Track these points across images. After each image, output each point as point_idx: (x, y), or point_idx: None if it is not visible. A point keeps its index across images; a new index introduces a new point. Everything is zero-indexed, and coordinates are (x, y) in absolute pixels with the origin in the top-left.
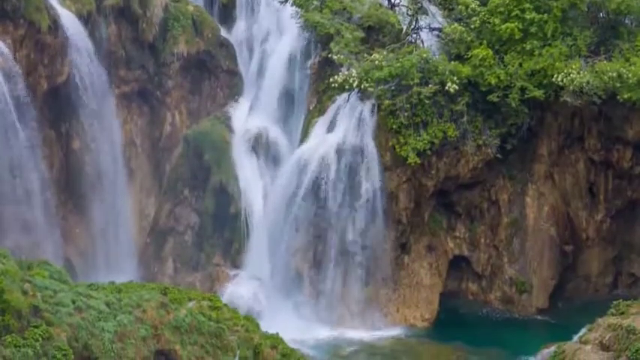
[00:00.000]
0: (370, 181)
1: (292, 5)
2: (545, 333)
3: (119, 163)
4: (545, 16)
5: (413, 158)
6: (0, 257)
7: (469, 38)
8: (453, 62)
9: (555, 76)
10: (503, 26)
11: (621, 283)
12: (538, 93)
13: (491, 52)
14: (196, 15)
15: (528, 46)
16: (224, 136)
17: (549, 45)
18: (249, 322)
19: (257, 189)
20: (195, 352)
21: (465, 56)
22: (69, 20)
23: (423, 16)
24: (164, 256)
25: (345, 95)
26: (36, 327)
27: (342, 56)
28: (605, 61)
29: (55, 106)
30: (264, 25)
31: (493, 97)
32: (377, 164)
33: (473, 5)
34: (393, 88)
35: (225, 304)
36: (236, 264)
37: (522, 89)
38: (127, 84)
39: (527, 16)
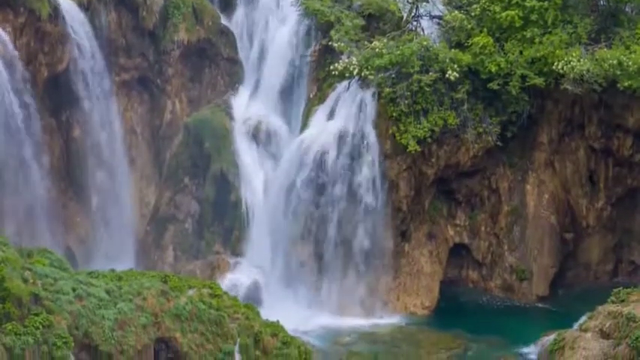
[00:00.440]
0: (370, 168)
1: None
2: (545, 321)
3: (119, 151)
4: (546, 3)
5: (413, 146)
6: (0, 245)
7: (469, 26)
8: (453, 50)
9: (556, 63)
10: (504, 14)
11: (621, 271)
12: (538, 81)
13: (491, 40)
14: (196, 3)
15: (529, 34)
16: (224, 124)
17: (550, 33)
18: (249, 310)
19: (257, 177)
20: (196, 339)
21: (466, 44)
22: (69, 8)
23: (423, 4)
24: (164, 244)
25: (345, 83)
26: (36, 315)
27: (342, 44)
28: (605, 49)
29: (55, 94)
30: (264, 12)
31: (493, 85)
32: (377, 152)
33: None
34: (393, 75)
35: (226, 292)
36: (236, 252)
37: (523, 77)
38: (127, 72)
39: (528, 3)
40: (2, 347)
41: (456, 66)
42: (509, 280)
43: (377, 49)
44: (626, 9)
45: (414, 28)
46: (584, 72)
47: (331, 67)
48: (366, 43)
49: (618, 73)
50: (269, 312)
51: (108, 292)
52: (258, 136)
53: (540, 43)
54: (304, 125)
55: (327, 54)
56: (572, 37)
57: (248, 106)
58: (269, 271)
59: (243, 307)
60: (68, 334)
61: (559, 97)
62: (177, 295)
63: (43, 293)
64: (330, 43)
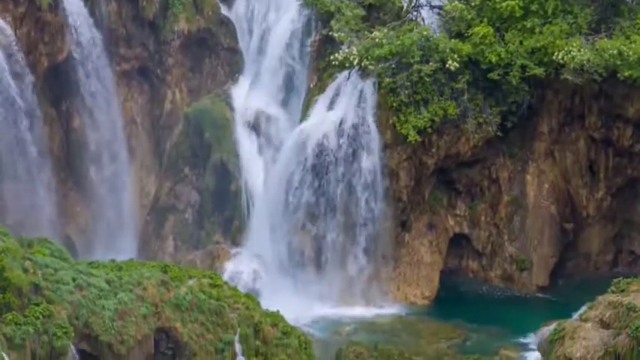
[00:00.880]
0: (370, 159)
1: None
2: (545, 311)
3: (119, 141)
4: None
5: (413, 136)
6: (1, 235)
7: (470, 16)
8: (453, 40)
9: (556, 53)
10: (504, 4)
11: (621, 261)
12: (539, 71)
13: (491, 30)
14: None
15: (529, 24)
16: (224, 114)
17: (550, 23)
18: (249, 300)
19: (257, 167)
20: (196, 329)
21: (466, 34)
22: None
23: None
24: (164, 234)
25: (345, 73)
26: (36, 305)
27: (342, 34)
28: (605, 39)
29: (56, 84)
30: (264, 2)
31: (494, 75)
32: (377, 142)
33: None
34: (393, 66)
35: (226, 282)
36: (236, 242)
37: (523, 67)
38: (127, 62)
39: None
40: (2, 337)
41: (456, 56)
42: (509, 270)
43: (377, 39)
44: None
45: (414, 18)
46: (585, 62)
47: (331, 57)
48: (366, 33)
49: (618, 63)
50: (269, 302)
51: (108, 282)
52: (259, 126)
53: (540, 33)
54: (304, 115)
55: (328, 44)
56: (572, 27)
57: (248, 96)
58: (269, 261)
59: (243, 297)
60: (68, 324)
61: (559, 87)
62: (177, 285)
63: (43, 283)
64: (330, 33)
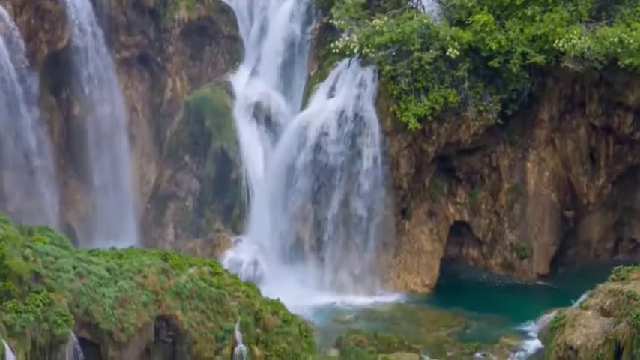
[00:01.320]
0: (371, 146)
1: None
2: (545, 298)
3: (120, 128)
4: None
5: (414, 124)
6: (1, 223)
7: (470, 4)
8: (453, 28)
9: (556, 41)
10: None
11: (622, 249)
12: (539, 58)
13: (492, 18)
14: None
15: (529, 12)
16: (225, 102)
17: (550, 10)
18: (250, 288)
19: (258, 155)
20: (196, 317)
21: (466, 22)
22: None
23: None
24: (165, 222)
25: (345, 61)
26: (37, 292)
27: (342, 22)
28: (606, 27)
29: (56, 71)
30: None
31: (494, 63)
32: (378, 130)
33: None
34: (393, 53)
35: (226, 270)
36: (237, 230)
37: (523, 55)
38: (127, 50)
39: None
40: (3, 324)
41: (456, 44)
42: (509, 257)
43: (377, 27)
44: None
45: (414, 6)
46: (585, 50)
47: (332, 45)
48: (366, 21)
49: (619, 50)
50: (269, 289)
51: (108, 269)
52: (259, 113)
53: (541, 20)
54: (305, 103)
55: (328, 32)
56: (572, 15)
57: (248, 84)
58: (269, 249)
59: (243, 285)
60: (69, 312)
61: (560, 74)
62: (177, 272)
63: (43, 271)
64: (330, 21)
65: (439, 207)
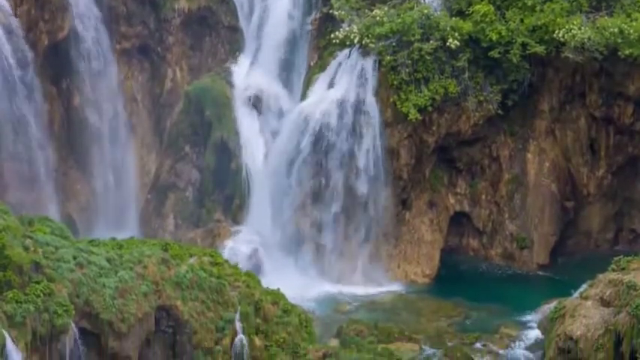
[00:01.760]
0: (371, 137)
1: None
2: (545, 289)
3: (120, 119)
4: None
5: (414, 114)
6: (1, 213)
7: None
8: (454, 18)
9: (557, 32)
10: None
11: (622, 239)
12: (539, 49)
13: (492, 8)
14: None
15: (530, 2)
16: (225, 92)
17: (550, 1)
18: (250, 278)
19: (258, 145)
20: (196, 307)
21: (467, 12)
22: None
23: None
24: (165, 212)
25: (346, 51)
26: (37, 283)
27: (343, 12)
28: (606, 17)
29: (56, 62)
30: None
31: (494, 53)
32: (378, 120)
33: None
34: (394, 44)
35: (226, 260)
36: (237, 220)
37: (523, 45)
38: (127, 40)
39: None
40: (3, 315)
41: (456, 34)
42: (509, 248)
43: (378, 18)
44: None
45: None
46: (585, 40)
47: (332, 36)
48: (366, 11)
49: (619, 41)
50: (269, 280)
51: (109, 260)
52: (259, 104)
53: (541, 11)
54: (305, 93)
55: (328, 22)
56: (573, 5)
57: (248, 74)
58: (270, 239)
59: (243, 276)
60: (69, 302)
61: (560, 65)
62: (177, 263)
63: (44, 261)
64: (330, 11)
65: (439, 197)
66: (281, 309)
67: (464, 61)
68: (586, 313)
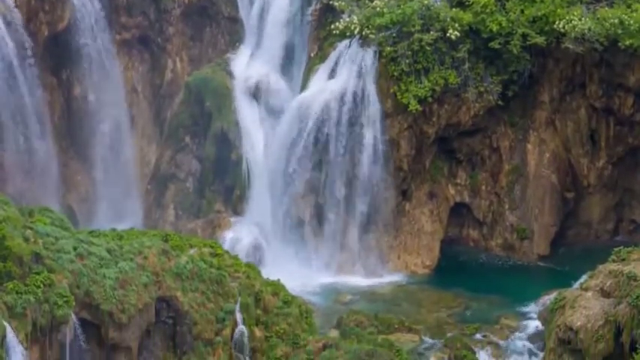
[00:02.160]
0: (371, 128)
1: None
2: (546, 279)
3: (120, 110)
4: None
5: (414, 105)
6: (1, 204)
7: None
8: (454, 9)
9: (557, 22)
10: None
11: (622, 230)
12: (539, 40)
13: None
14: None
15: None
16: (225, 83)
17: None
18: (250, 269)
19: (258, 136)
20: (197, 298)
21: (467, 3)
22: None
23: None
24: (165, 203)
25: (346, 42)
26: (37, 273)
27: (343, 3)
28: (606, 8)
29: (56, 52)
30: None
31: (494, 44)
32: (378, 111)
33: None
34: (394, 34)
35: (227, 251)
36: (237, 211)
37: (524, 36)
38: (127, 30)
39: None
40: (4, 305)
41: (457, 25)
42: (509, 239)
43: (378, 8)
44: None
45: None
46: (586, 31)
47: (332, 27)
48: (367, 1)
49: (619, 31)
50: (270, 271)
51: (109, 251)
52: (259, 94)
53: (542, 1)
54: (305, 84)
55: (328, 13)
56: None
57: (249, 65)
58: (270, 230)
59: (244, 266)
60: (69, 293)
61: (560, 56)
62: (178, 254)
63: (44, 252)
64: (330, 2)
65: (439, 188)
66: (281, 300)
67: (464, 52)
68: (586, 303)
